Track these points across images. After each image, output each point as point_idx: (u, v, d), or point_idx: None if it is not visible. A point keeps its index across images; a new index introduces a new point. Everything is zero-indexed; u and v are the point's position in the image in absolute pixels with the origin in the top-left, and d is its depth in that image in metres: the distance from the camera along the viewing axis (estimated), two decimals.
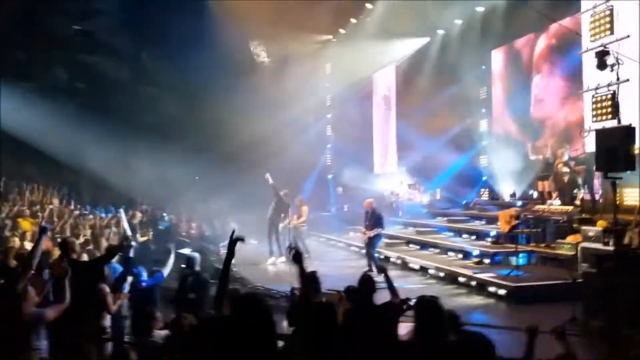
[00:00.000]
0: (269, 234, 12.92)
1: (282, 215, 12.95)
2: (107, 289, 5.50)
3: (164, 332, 5.65)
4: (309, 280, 5.05)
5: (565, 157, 11.38)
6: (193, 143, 19.45)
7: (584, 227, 9.33)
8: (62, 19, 18.34)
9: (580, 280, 7.30)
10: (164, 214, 16.69)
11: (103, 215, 14.93)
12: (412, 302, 4.06)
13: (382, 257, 11.73)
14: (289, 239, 12.93)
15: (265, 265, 12.36)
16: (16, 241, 9.70)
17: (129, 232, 11.51)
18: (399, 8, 15.79)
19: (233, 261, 12.41)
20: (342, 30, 19.47)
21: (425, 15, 15.79)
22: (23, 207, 13.15)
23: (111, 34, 18.02)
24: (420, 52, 17.55)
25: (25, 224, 11.71)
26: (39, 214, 13.09)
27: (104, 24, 18.24)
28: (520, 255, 9.72)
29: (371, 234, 10.71)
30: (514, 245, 10.24)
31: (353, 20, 18.56)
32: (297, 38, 19.21)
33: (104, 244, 10.23)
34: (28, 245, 9.99)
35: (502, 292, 8.40)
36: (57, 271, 4.26)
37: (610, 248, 7.83)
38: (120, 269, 6.31)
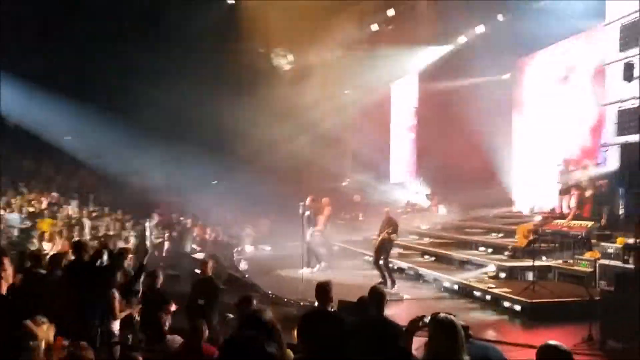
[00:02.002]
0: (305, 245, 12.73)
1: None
2: (116, 294, 5.52)
3: (178, 338, 5.67)
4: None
5: (591, 171, 11.20)
6: (210, 148, 19.59)
7: (603, 244, 9.14)
8: (84, 22, 18.63)
9: (597, 299, 7.13)
10: (181, 218, 16.83)
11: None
12: (427, 319, 3.96)
13: (395, 267, 11.59)
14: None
15: (278, 273, 12.31)
16: (34, 242, 9.86)
17: (148, 242, 11.59)
18: (420, 15, 15.72)
19: (246, 267, 12.41)
20: (363, 38, 19.46)
21: (447, 22, 15.70)
22: (42, 208, 13.35)
23: (131, 39, 18.26)
24: (443, 59, 17.42)
25: (44, 225, 11.90)
26: (57, 214, 13.29)
27: (124, 30, 18.49)
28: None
29: (379, 238, 10.56)
30: (531, 260, 10.08)
31: (374, 28, 18.54)
32: (316, 46, 19.27)
33: (120, 245, 10.37)
34: (45, 246, 10.16)
35: (517, 307, 8.25)
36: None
37: (630, 266, 7.65)
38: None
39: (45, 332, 3.51)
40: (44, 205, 14.07)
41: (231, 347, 2.69)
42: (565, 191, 11.82)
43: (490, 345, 4.41)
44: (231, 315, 5.94)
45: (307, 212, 12.59)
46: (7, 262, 3.91)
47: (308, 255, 12.44)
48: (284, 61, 21.18)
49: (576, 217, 10.79)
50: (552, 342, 3.15)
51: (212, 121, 19.87)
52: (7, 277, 3.86)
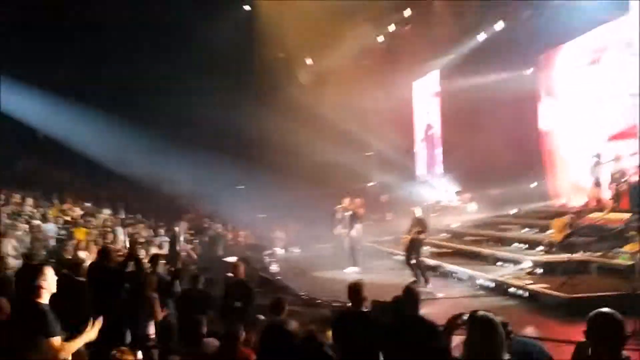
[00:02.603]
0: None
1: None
2: (156, 296, 5.60)
3: (214, 341, 5.71)
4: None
5: (626, 162, 10.92)
6: (239, 152, 19.77)
7: None
8: (108, 32, 18.99)
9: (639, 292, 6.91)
10: (211, 222, 17.00)
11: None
12: (465, 317, 3.89)
13: (428, 266, 11.45)
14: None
15: (310, 274, 12.32)
16: (70, 250, 10.07)
17: (179, 247, 11.74)
18: (438, 14, 15.58)
19: (277, 270, 12.49)
20: (381, 38, 19.37)
21: (466, 19, 15.52)
22: (77, 217, 13.64)
23: (156, 48, 18.55)
24: (464, 56, 17.19)
25: (79, 234, 12.16)
26: (92, 223, 13.57)
27: (148, 39, 18.79)
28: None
29: (408, 237, 10.53)
30: (567, 255, 9.85)
31: (391, 28, 18.41)
32: (335, 48, 19.24)
33: (153, 251, 10.52)
34: (81, 254, 10.36)
35: (555, 303, 8.05)
36: None
37: None
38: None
39: None
40: (78, 214, 14.37)
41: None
42: (599, 182, 11.53)
43: (530, 341, 4.31)
44: (263, 317, 5.95)
45: (349, 213, 12.74)
46: (48, 272, 3.93)
47: (353, 254, 12.51)
48: (304, 67, 21.13)
49: (614, 209, 10.50)
50: (604, 309, 2.95)
51: (237, 127, 20.07)
52: (49, 287, 3.89)
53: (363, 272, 11.79)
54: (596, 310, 2.94)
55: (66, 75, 18.11)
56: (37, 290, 3.80)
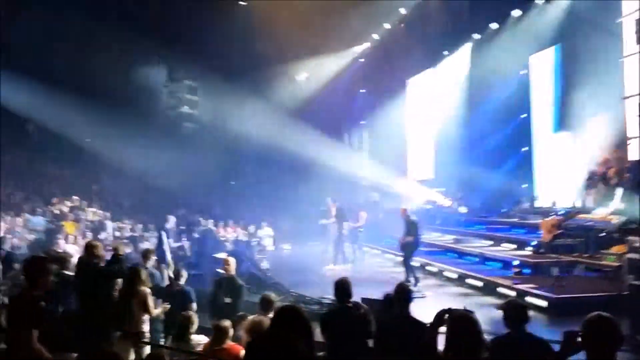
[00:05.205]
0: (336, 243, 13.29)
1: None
2: (148, 291, 5.59)
3: (202, 338, 5.71)
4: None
5: (615, 164, 11.02)
6: (228, 149, 19.70)
7: (629, 237, 8.94)
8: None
9: (626, 293, 6.98)
10: (201, 219, 16.93)
11: None
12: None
13: (418, 265, 11.51)
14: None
15: (300, 271, 12.34)
16: (60, 244, 10.01)
17: (168, 255, 11.63)
18: (434, 13, 15.64)
19: (267, 266, 12.42)
20: (375, 36, 19.37)
21: (461, 18, 15.60)
22: (66, 211, 13.56)
23: (142, 36, 18.29)
24: (459, 56, 17.24)
25: (69, 227, 12.10)
26: (82, 217, 13.49)
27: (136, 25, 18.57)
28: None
29: (401, 241, 10.64)
30: (555, 255, 9.93)
31: (387, 26, 18.42)
32: (330, 46, 19.22)
33: (144, 246, 10.47)
34: (69, 248, 10.32)
35: (543, 303, 8.11)
36: None
37: None
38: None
39: None
40: (66, 208, 14.27)
41: (261, 346, 2.68)
42: (590, 185, 11.62)
43: (538, 339, 4.20)
44: (250, 315, 5.95)
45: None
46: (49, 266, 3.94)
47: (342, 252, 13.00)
48: (298, 65, 21.03)
49: (601, 211, 10.59)
50: (600, 312, 2.89)
51: (227, 124, 20.00)
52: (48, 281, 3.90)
53: (354, 269, 11.84)
54: (592, 314, 2.91)
55: (59, 64, 17.84)
56: (36, 283, 3.80)
